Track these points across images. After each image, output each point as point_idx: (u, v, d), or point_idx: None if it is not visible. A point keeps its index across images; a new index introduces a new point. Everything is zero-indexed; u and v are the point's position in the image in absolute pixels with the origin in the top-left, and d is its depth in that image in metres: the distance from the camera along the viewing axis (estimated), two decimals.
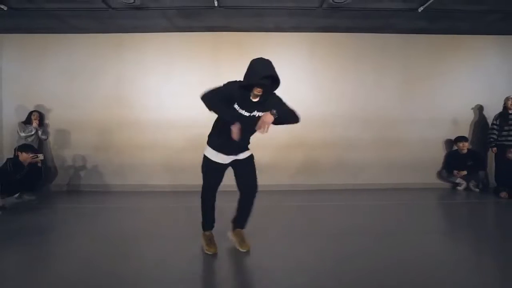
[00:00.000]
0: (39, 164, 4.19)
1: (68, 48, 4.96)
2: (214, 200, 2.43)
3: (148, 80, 4.99)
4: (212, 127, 2.38)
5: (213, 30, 4.84)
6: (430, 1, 3.79)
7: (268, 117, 2.04)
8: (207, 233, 2.47)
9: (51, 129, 4.99)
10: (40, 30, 4.75)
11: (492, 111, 4.85)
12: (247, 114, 2.15)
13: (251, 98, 2.13)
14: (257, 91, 2.08)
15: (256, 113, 2.16)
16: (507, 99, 4.52)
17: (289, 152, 4.93)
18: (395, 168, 4.98)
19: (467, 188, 4.75)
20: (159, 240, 2.68)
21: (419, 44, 4.96)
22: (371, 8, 4.04)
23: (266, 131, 2.05)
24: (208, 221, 2.47)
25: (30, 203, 4.08)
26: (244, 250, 2.37)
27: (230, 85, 2.13)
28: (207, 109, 2.14)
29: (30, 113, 4.70)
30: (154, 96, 4.99)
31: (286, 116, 2.18)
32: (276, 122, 2.08)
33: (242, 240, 2.41)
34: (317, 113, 4.93)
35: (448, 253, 2.46)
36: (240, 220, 2.45)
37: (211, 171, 2.35)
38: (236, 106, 2.13)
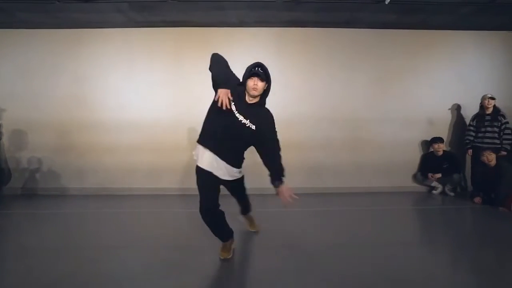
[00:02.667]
0: None
1: (23, 45, 4.71)
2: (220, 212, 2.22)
3: (108, 78, 4.74)
4: (204, 120, 2.19)
5: (174, 26, 4.60)
6: None
7: (286, 192, 2.08)
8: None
9: (5, 130, 4.73)
10: None
11: (470, 111, 4.59)
12: (240, 118, 2.03)
13: (246, 99, 2.07)
14: (254, 83, 2.02)
15: (249, 123, 2.05)
16: (483, 98, 4.24)
17: (253, 154, 4.65)
18: (368, 171, 4.71)
19: (442, 192, 4.48)
20: (118, 250, 2.50)
21: (392, 40, 4.70)
22: (335, 0, 3.79)
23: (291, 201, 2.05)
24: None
25: None
26: (254, 231, 2.84)
27: (236, 78, 2.15)
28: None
29: None
30: (115, 95, 4.74)
31: (278, 162, 2.20)
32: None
33: (251, 222, 2.87)
34: (285, 112, 4.62)
35: (420, 263, 2.30)
36: (243, 209, 2.77)
37: (203, 184, 2.14)
38: (232, 107, 2.04)
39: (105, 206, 4.08)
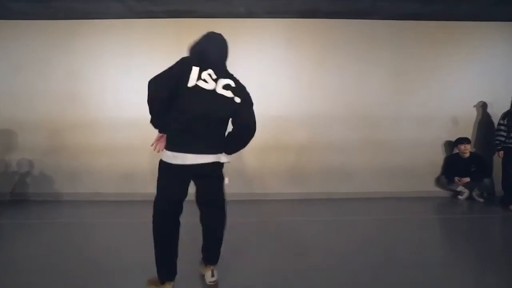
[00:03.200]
0: None
1: (12, 37, 4.36)
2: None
3: (104, 73, 4.38)
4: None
5: (177, 16, 4.24)
6: None
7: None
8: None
9: None
10: None
11: (498, 109, 4.21)
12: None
13: None
14: None
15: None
16: None
17: (263, 157, 4.29)
18: (386, 175, 4.34)
19: (469, 198, 4.11)
20: (116, 268, 2.16)
21: (412, 32, 4.33)
22: None
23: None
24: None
25: None
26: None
27: None
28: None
29: None
30: (112, 92, 4.38)
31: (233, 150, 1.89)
32: None
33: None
34: (296, 111, 4.33)
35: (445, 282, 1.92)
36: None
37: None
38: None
39: (101, 215, 3.72)
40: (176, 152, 1.70)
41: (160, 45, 4.33)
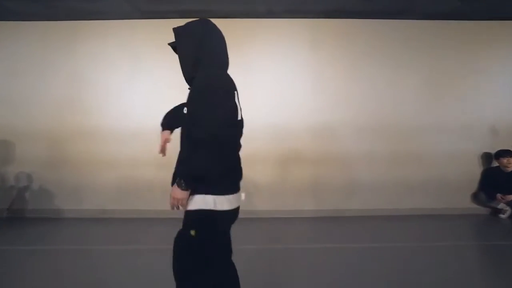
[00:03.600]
0: None
1: (8, 40, 4.03)
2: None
3: (108, 79, 4.04)
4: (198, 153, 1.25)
5: (189, 17, 3.80)
6: None
7: (176, 192, 1.26)
8: None
9: None
10: None
11: None
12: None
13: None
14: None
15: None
16: None
17: (284, 170, 3.93)
18: (418, 190, 3.98)
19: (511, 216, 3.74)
20: None
21: (449, 34, 3.95)
22: None
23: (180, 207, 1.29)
24: None
25: None
26: None
27: None
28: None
29: None
30: (116, 99, 4.04)
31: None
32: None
33: None
34: (319, 120, 3.97)
35: None
36: None
37: (226, 232, 1.40)
38: None
39: (107, 236, 3.38)
40: (231, 193, 1.32)
41: (168, 48, 3.94)
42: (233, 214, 1.36)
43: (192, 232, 1.29)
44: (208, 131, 1.16)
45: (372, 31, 3.94)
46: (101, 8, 3.67)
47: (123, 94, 4.03)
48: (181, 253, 1.32)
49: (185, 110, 1.36)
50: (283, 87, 3.97)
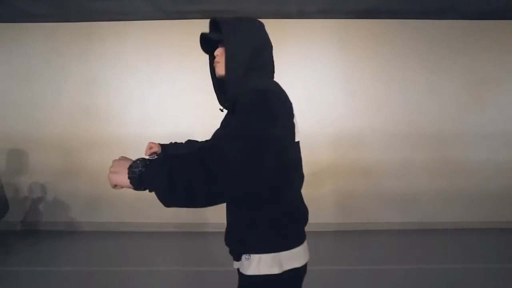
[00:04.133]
0: None
1: (20, 43, 3.80)
2: None
3: (127, 83, 3.81)
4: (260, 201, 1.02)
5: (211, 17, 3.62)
6: None
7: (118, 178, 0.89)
8: None
9: (0, 150, 3.82)
10: None
11: None
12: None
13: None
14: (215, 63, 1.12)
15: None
16: None
17: (313, 181, 3.69)
18: (458, 202, 3.74)
19: None
20: None
21: (491, 34, 3.69)
22: None
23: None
24: None
25: None
26: None
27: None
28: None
29: None
30: (135, 105, 3.81)
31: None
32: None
33: None
34: (350, 126, 3.74)
35: None
36: None
37: None
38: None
39: (125, 252, 3.19)
40: (301, 244, 1.05)
41: (192, 50, 3.67)
42: (303, 271, 1.07)
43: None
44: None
45: (407, 31, 3.69)
46: (120, 7, 3.43)
47: (143, 99, 3.80)
48: None
49: None
50: (311, 92, 3.74)
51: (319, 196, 3.69)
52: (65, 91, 3.81)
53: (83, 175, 3.83)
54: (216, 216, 3.39)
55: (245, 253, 1.01)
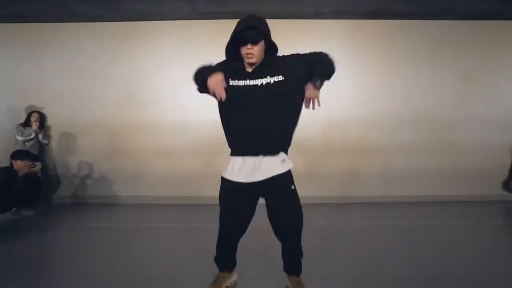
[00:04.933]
0: (38, 174, 3.53)
1: (73, 40, 4.34)
2: (237, 238, 1.77)
3: (165, 76, 4.34)
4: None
5: (240, 17, 4.16)
6: None
7: (312, 92, 1.54)
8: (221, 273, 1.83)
9: (54, 133, 4.37)
10: (37, 17, 4.13)
11: None
12: (252, 82, 1.53)
13: (247, 70, 1.58)
14: (247, 50, 1.50)
15: (269, 79, 1.52)
16: None
17: (327, 160, 4.23)
18: (452, 178, 4.25)
19: None
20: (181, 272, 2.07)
21: (485, 32, 4.22)
22: None
23: (316, 106, 1.57)
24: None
25: (28, 221, 3.46)
26: None
27: (220, 63, 1.68)
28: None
29: (30, 114, 4.08)
30: (172, 95, 4.33)
31: (326, 68, 1.56)
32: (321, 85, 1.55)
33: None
34: (361, 113, 4.26)
35: None
36: (287, 264, 1.78)
37: (229, 197, 1.66)
38: (232, 82, 1.57)
39: (160, 218, 3.68)
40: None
41: (223, 46, 4.23)
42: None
43: (292, 187, 1.62)
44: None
45: (410, 30, 4.22)
46: (161, 9, 3.97)
47: (179, 90, 4.25)
48: (296, 203, 1.64)
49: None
50: (325, 83, 4.25)
51: (331, 171, 4.22)
52: (111, 83, 4.35)
53: (125, 155, 4.36)
54: None
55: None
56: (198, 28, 4.27)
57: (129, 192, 4.36)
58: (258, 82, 1.52)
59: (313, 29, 4.24)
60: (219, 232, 1.77)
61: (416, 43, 4.24)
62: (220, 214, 1.72)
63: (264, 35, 1.53)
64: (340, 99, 4.22)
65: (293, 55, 1.61)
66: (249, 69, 1.58)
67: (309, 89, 1.55)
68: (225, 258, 1.81)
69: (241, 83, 1.54)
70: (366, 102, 4.25)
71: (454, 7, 3.84)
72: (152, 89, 4.34)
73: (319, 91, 1.55)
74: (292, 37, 4.22)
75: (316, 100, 1.56)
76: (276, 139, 1.57)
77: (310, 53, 1.60)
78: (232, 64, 1.60)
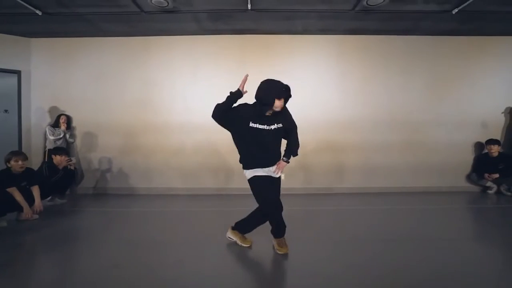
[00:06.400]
0: (73, 167, 4.19)
1: (96, 52, 4.98)
2: (282, 207, 2.42)
3: (174, 83, 4.99)
4: (239, 151, 2.46)
5: (241, 33, 4.83)
6: (467, 3, 3.73)
7: (282, 164, 2.44)
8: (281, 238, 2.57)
9: (78, 132, 5.02)
10: (69, 34, 4.78)
11: None
12: (267, 127, 2.30)
13: (266, 114, 2.28)
14: (281, 103, 2.22)
15: (276, 126, 2.34)
16: None
17: (316, 156, 4.90)
18: (423, 172, 4.94)
19: (498, 192, 4.69)
20: (188, 245, 2.72)
21: (447, 46, 4.90)
22: (404, 11, 4.00)
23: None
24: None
25: (61, 206, 4.11)
26: (281, 253, 2.47)
27: (243, 105, 2.34)
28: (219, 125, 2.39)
29: (58, 117, 4.74)
30: (181, 100, 4.99)
31: (293, 151, 2.48)
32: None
33: (279, 244, 2.52)
34: (344, 115, 4.92)
35: (476, 260, 2.42)
36: (275, 231, 2.54)
37: (265, 185, 2.38)
38: (252, 124, 2.28)
39: (170, 205, 4.30)
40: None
41: (224, 58, 4.92)
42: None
43: (282, 176, 2.49)
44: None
45: (385, 44, 4.88)
46: (173, 27, 4.61)
47: (186, 95, 4.95)
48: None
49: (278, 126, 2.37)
50: (313, 89, 4.92)
51: (319, 166, 4.89)
52: (127, 89, 4.99)
53: (140, 152, 5.01)
54: (235, 182, 4.55)
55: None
56: (202, 42, 4.91)
57: (144, 184, 5.00)
58: (271, 127, 2.32)
59: (303, 42, 4.89)
60: (269, 209, 2.39)
61: (390, 55, 4.90)
62: (264, 195, 2.38)
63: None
64: (326, 103, 4.90)
65: (289, 113, 2.46)
66: (268, 113, 2.29)
67: (280, 162, 2.44)
68: (282, 226, 2.50)
69: (260, 126, 2.29)
70: (348, 106, 4.91)
71: (420, 26, 4.51)
72: (163, 94, 4.99)
73: (285, 165, 2.45)
74: (286, 50, 4.91)
75: (281, 169, 2.45)
76: (278, 157, 2.49)
77: (292, 121, 2.46)
78: (259, 110, 2.27)
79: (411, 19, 4.27)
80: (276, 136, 2.38)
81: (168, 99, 5.00)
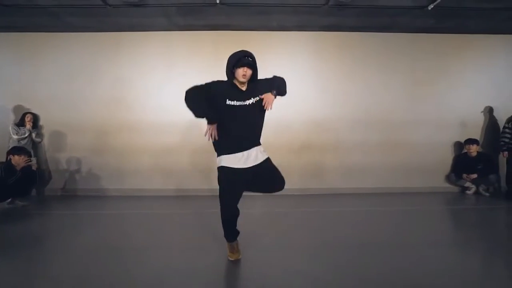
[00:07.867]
0: (34, 168, 4.00)
1: (64, 48, 4.79)
2: (238, 213, 2.22)
3: (147, 80, 4.82)
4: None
5: (214, 29, 4.68)
6: None
7: (269, 96, 2.13)
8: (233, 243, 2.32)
9: (46, 131, 4.82)
10: (34, 28, 4.59)
11: (503, 113, 4.71)
12: (243, 103, 2.13)
13: (239, 87, 2.15)
14: (243, 71, 2.07)
15: (252, 100, 2.15)
16: None
17: (292, 156, 4.76)
18: (402, 172, 4.83)
19: (476, 192, 4.60)
20: (160, 250, 2.54)
21: (426, 44, 4.81)
22: (378, 6, 3.90)
23: (271, 108, 2.12)
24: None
25: (23, 209, 3.91)
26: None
27: (214, 82, 2.16)
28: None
29: (24, 115, 4.54)
30: (154, 97, 4.82)
31: (281, 87, 2.26)
32: (276, 94, 2.20)
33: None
34: (321, 115, 4.80)
35: (455, 264, 2.31)
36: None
37: (227, 184, 2.15)
38: (229, 101, 2.11)
39: (142, 207, 4.11)
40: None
41: (198, 54, 4.76)
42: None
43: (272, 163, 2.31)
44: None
45: (363, 41, 4.78)
46: (143, 22, 4.45)
47: (160, 93, 4.78)
48: (277, 170, 2.31)
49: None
50: (290, 88, 4.77)
51: (296, 166, 4.75)
52: (98, 86, 4.80)
53: (111, 151, 4.81)
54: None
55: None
56: (176, 38, 4.77)
57: (115, 185, 4.81)
58: (247, 102, 2.13)
59: (279, 39, 4.77)
60: (224, 214, 2.16)
61: (368, 52, 4.80)
62: (222, 196, 2.15)
63: (255, 64, 2.13)
64: (303, 102, 4.76)
65: (264, 79, 2.24)
66: (241, 87, 2.14)
67: (267, 94, 2.13)
68: (234, 231, 2.27)
69: (236, 103, 2.11)
70: (325, 105, 4.79)
71: (397, 22, 4.40)
72: (136, 92, 4.81)
73: (273, 97, 2.13)
74: (261, 47, 4.73)
75: (270, 103, 2.12)
76: (258, 137, 2.27)
77: (274, 76, 2.28)
78: (231, 85, 2.14)
79: (387, 15, 4.17)
80: (253, 111, 2.14)
81: (141, 97, 4.84)
